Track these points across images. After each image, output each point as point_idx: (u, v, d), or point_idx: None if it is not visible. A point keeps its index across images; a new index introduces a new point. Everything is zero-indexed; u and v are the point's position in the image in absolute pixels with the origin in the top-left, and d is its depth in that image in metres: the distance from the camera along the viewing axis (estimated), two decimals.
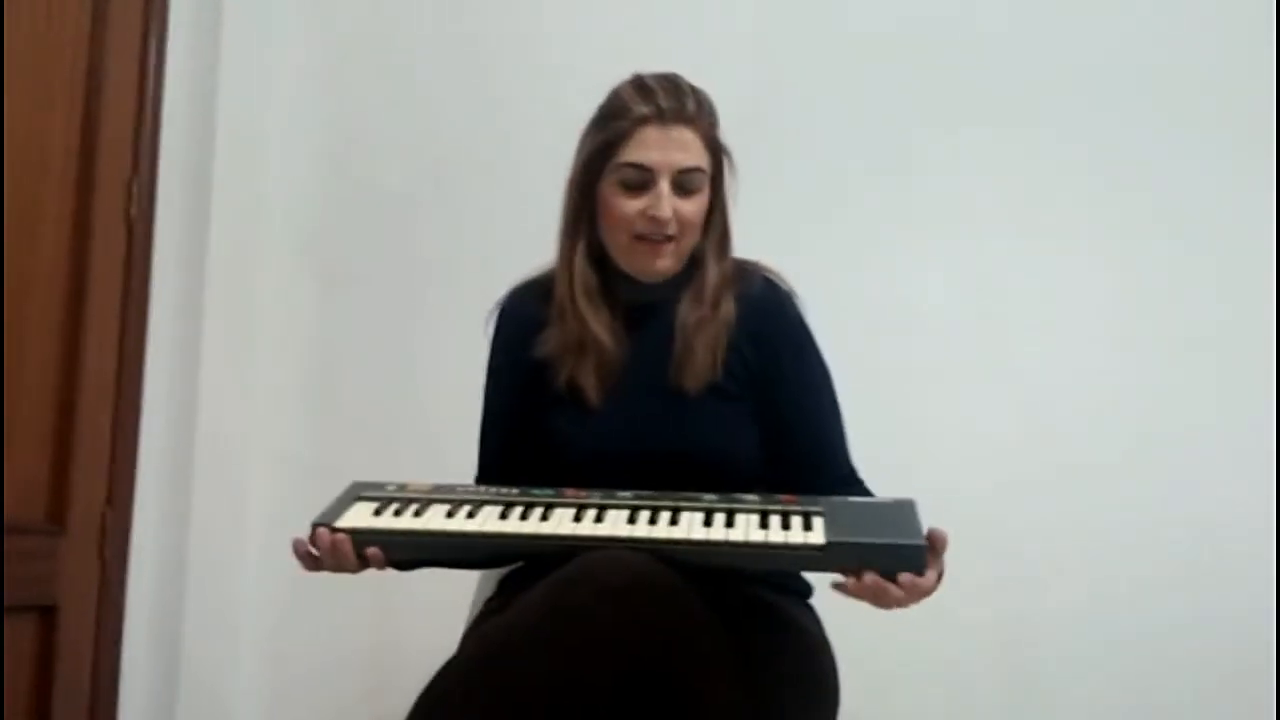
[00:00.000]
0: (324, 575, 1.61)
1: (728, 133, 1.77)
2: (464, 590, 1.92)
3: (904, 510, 1.54)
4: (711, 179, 1.73)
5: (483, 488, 1.67)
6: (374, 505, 1.59)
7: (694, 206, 1.71)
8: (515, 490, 1.61)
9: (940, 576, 1.50)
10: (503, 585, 1.75)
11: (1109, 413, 2.57)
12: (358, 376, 2.73)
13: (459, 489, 1.64)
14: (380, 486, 1.64)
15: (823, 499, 1.57)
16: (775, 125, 2.63)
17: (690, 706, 1.41)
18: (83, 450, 2.38)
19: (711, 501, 1.56)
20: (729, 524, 1.51)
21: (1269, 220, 2.58)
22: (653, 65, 1.77)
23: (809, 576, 1.75)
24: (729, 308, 1.73)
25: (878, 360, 2.49)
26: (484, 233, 2.70)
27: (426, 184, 2.76)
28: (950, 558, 1.51)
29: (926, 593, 1.47)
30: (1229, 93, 2.61)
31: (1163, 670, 2.49)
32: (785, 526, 1.50)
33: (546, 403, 1.76)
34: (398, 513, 1.57)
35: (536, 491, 1.61)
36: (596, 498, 1.58)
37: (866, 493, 1.74)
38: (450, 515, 1.56)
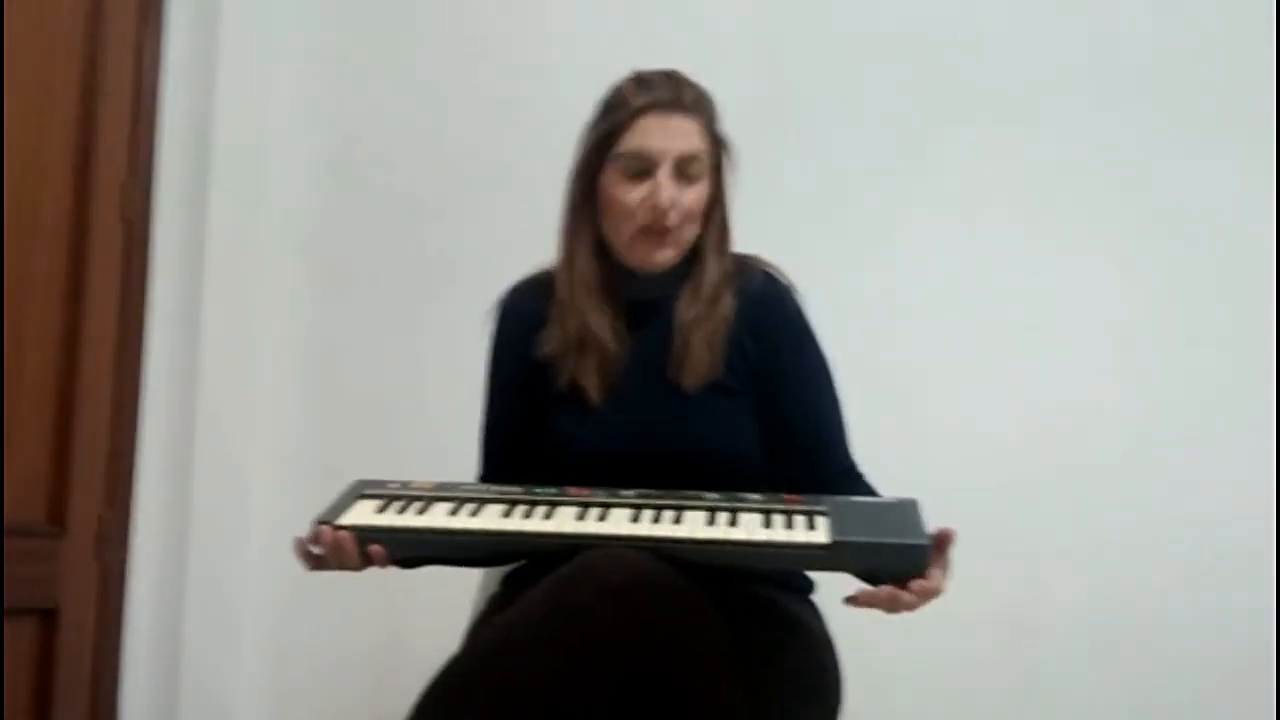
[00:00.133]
0: (325, 575, 1.61)
1: (728, 133, 1.77)
2: (466, 589, 1.91)
3: (908, 510, 1.53)
4: (712, 171, 1.74)
5: (486, 486, 1.67)
6: (377, 503, 1.59)
7: (694, 196, 1.71)
8: (519, 488, 1.61)
9: (946, 575, 1.50)
10: (506, 583, 1.75)
11: (1109, 412, 2.57)
12: (358, 376, 2.73)
13: (462, 487, 1.64)
14: (383, 484, 1.63)
15: (826, 498, 1.57)
16: (776, 125, 2.63)
17: (691, 705, 1.41)
18: (82, 452, 2.38)
19: (715, 500, 1.56)
20: (732, 523, 1.51)
21: (1269, 220, 2.58)
22: (654, 65, 1.77)
23: (810, 573, 1.75)
24: (728, 303, 1.73)
25: (878, 359, 2.49)
26: (485, 232, 2.70)
27: (426, 183, 2.76)
28: (952, 556, 1.51)
29: (935, 594, 1.47)
30: (1229, 92, 2.61)
31: (1163, 670, 2.49)
32: (789, 526, 1.50)
33: (548, 401, 1.76)
34: (401, 510, 1.57)
35: (540, 490, 1.61)
36: (600, 496, 1.57)
37: (868, 487, 1.75)
38: (453, 513, 1.56)
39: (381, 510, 1.57)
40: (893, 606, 1.47)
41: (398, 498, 1.60)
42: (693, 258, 1.76)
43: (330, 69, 2.81)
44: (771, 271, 1.80)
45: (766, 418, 1.74)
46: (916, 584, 1.45)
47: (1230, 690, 2.47)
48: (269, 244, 2.73)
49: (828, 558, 1.47)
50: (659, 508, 1.54)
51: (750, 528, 1.50)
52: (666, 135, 1.69)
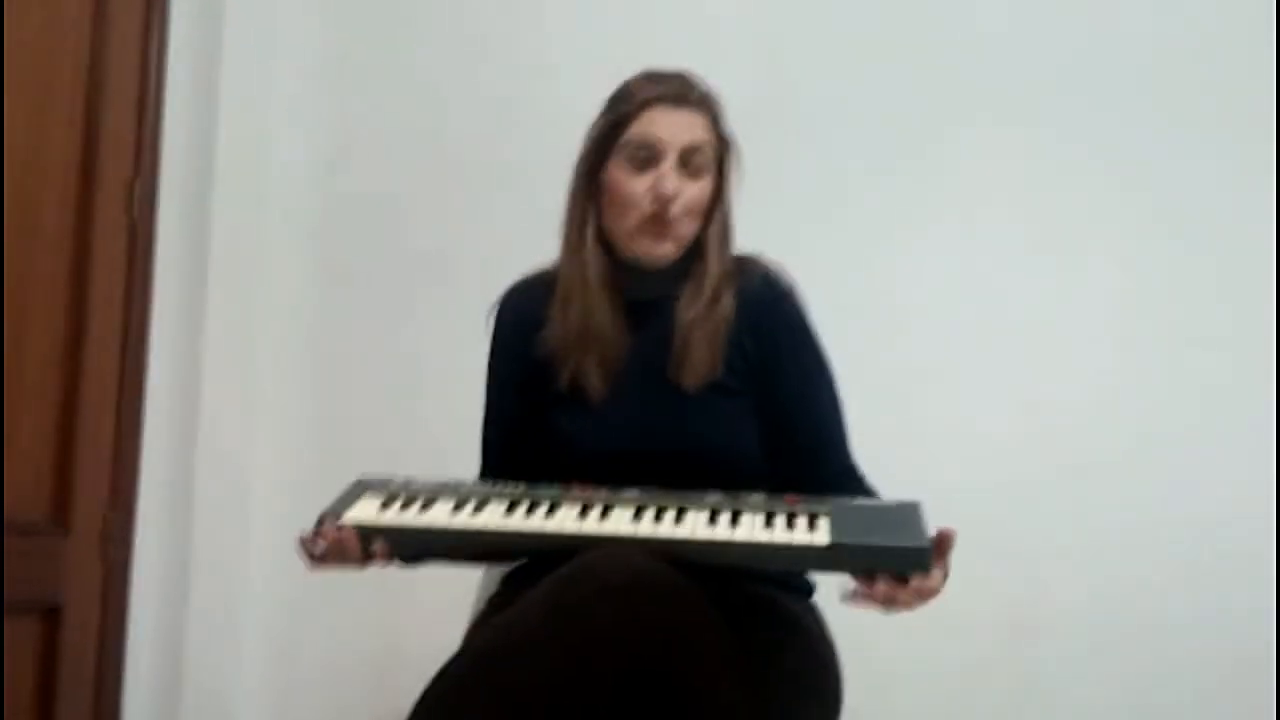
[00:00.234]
0: (327, 574, 1.61)
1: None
2: (468, 590, 1.92)
3: (909, 512, 1.53)
4: (715, 169, 1.75)
5: (488, 484, 1.67)
6: (380, 499, 1.59)
7: (697, 191, 1.72)
8: (521, 486, 1.62)
9: (945, 576, 1.50)
10: (506, 582, 1.75)
11: (1109, 412, 2.58)
12: (360, 375, 2.73)
13: (464, 485, 1.64)
14: (385, 482, 1.64)
15: (828, 500, 1.57)
16: (775, 125, 2.62)
17: (691, 705, 1.41)
18: (85, 450, 2.38)
19: (716, 500, 1.56)
20: (734, 523, 1.51)
21: (1269, 220, 2.58)
22: (654, 65, 1.77)
23: (810, 574, 1.75)
24: (728, 303, 1.73)
25: (877, 359, 2.49)
26: (486, 232, 2.70)
27: (427, 183, 2.77)
28: (952, 556, 1.51)
29: (933, 594, 1.48)
30: (1229, 92, 2.62)
31: (1163, 670, 2.49)
32: (790, 527, 1.50)
33: (548, 401, 1.76)
34: (403, 508, 1.57)
35: (542, 488, 1.61)
36: (602, 495, 1.58)
37: (867, 487, 1.75)
38: (456, 511, 1.56)
39: (384, 508, 1.58)
40: (889, 605, 1.47)
41: (400, 495, 1.60)
42: (694, 256, 1.76)
43: (332, 70, 2.81)
44: (772, 271, 1.80)
45: (766, 417, 1.74)
46: (914, 582, 1.45)
47: (1230, 690, 2.48)
48: (271, 244, 2.74)
49: (828, 559, 1.47)
50: (660, 507, 1.54)
51: (751, 528, 1.50)
52: (673, 126, 1.70)
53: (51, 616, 2.32)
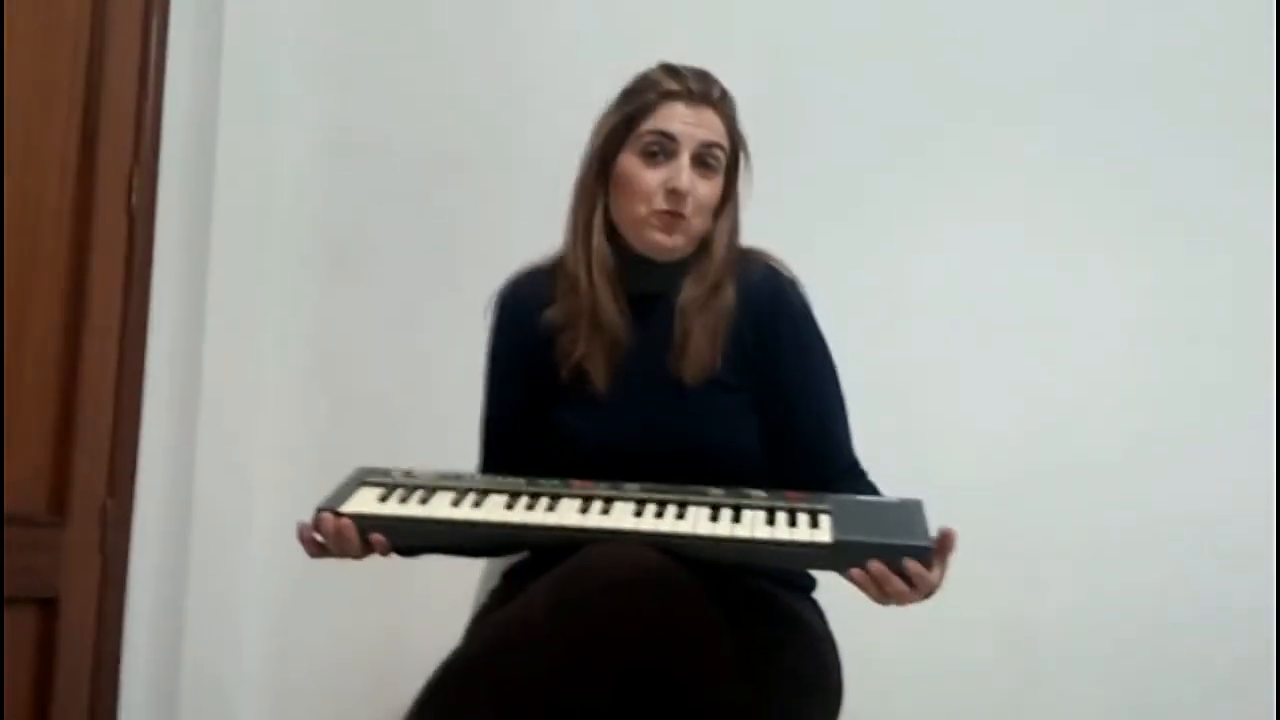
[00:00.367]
0: (329, 567, 1.61)
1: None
2: (468, 587, 1.92)
3: (911, 510, 1.53)
4: (727, 170, 1.75)
5: (489, 476, 1.67)
6: (379, 491, 1.59)
7: (710, 188, 1.73)
8: (522, 480, 1.61)
9: (942, 576, 1.50)
10: (506, 577, 1.75)
11: (1109, 411, 2.57)
12: (362, 366, 2.73)
13: (465, 477, 1.64)
14: (386, 472, 1.64)
15: (830, 497, 1.57)
16: (775, 125, 2.60)
17: (693, 700, 1.42)
18: (84, 441, 2.38)
19: (718, 496, 1.56)
20: (735, 519, 1.51)
21: (1269, 219, 2.58)
22: (659, 59, 1.78)
23: (812, 571, 1.75)
24: (730, 294, 1.73)
25: (877, 358, 2.48)
26: (488, 227, 2.70)
27: (432, 172, 2.76)
28: (952, 555, 1.51)
29: (929, 590, 1.47)
30: (1229, 91, 2.61)
31: (1163, 669, 2.49)
32: (792, 523, 1.50)
33: (549, 394, 1.76)
34: (403, 499, 1.57)
35: (543, 481, 1.61)
36: (603, 489, 1.57)
37: (870, 485, 1.75)
38: (456, 503, 1.56)
39: (384, 499, 1.58)
40: (882, 589, 1.46)
41: (400, 486, 1.60)
42: (700, 252, 1.76)
43: (335, 55, 2.80)
44: (774, 264, 1.80)
45: (768, 411, 1.74)
46: (913, 568, 1.44)
47: (1230, 690, 2.47)
48: (272, 234, 2.73)
49: (830, 557, 1.47)
50: (662, 502, 1.54)
51: (753, 525, 1.50)
52: (691, 122, 1.71)
53: (49, 607, 2.31)
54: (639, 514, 1.52)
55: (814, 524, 1.50)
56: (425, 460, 1.76)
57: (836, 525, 1.49)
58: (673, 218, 1.70)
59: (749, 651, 1.51)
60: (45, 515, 2.32)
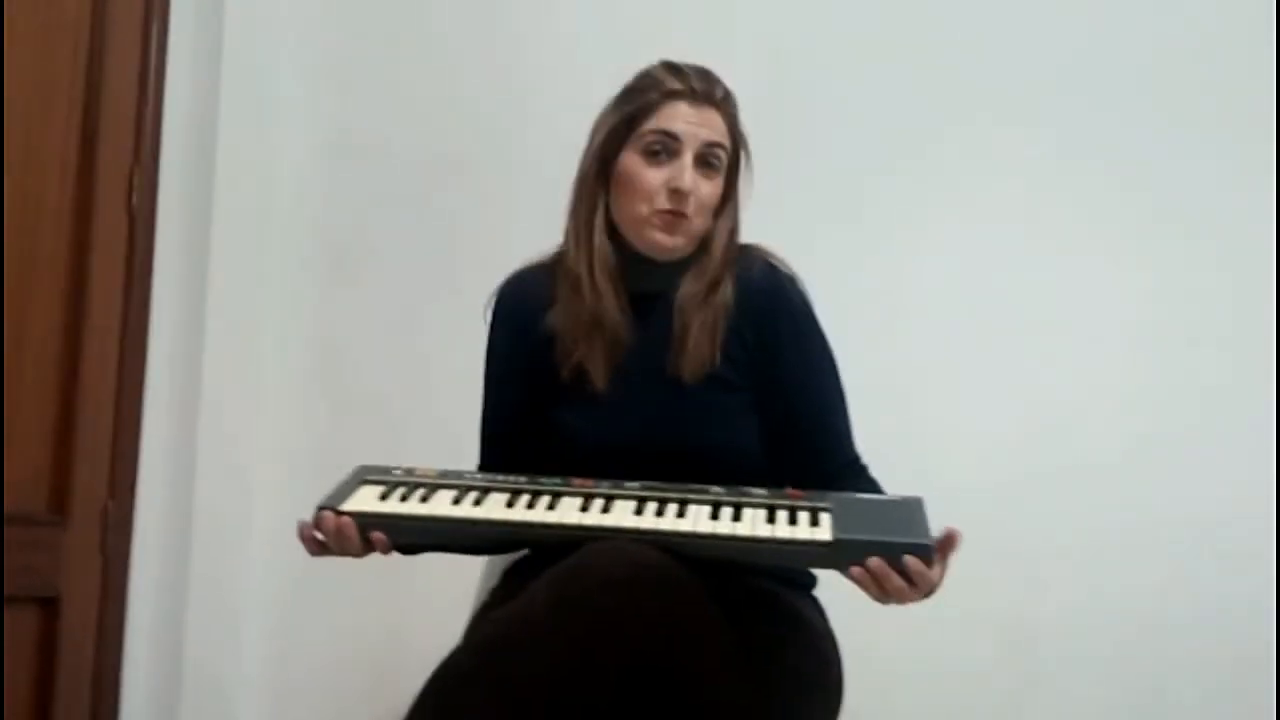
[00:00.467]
0: (329, 565, 1.61)
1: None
2: (469, 584, 1.91)
3: (912, 508, 1.53)
4: (728, 170, 1.75)
5: (490, 474, 1.67)
6: (380, 489, 1.59)
7: (712, 188, 1.73)
8: (522, 478, 1.61)
9: (942, 575, 1.50)
10: (507, 575, 1.74)
11: (1109, 412, 2.57)
12: (363, 366, 2.73)
13: (466, 475, 1.64)
14: (386, 470, 1.63)
15: (830, 494, 1.57)
16: (775, 125, 2.60)
17: (693, 698, 1.42)
18: (85, 440, 2.38)
19: (719, 494, 1.56)
20: (736, 518, 1.51)
21: (1269, 220, 2.58)
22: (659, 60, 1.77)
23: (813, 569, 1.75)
24: (728, 290, 1.73)
25: (877, 359, 2.48)
26: (487, 228, 2.70)
27: (432, 174, 2.77)
28: (953, 554, 1.51)
29: (930, 589, 1.47)
30: (1229, 92, 2.62)
31: (1163, 669, 2.49)
32: (792, 522, 1.50)
33: (549, 393, 1.76)
34: (404, 497, 1.57)
35: (544, 480, 1.60)
36: (604, 488, 1.57)
37: (871, 481, 1.74)
38: (456, 501, 1.56)
39: (384, 497, 1.57)
40: (882, 586, 1.46)
41: (401, 484, 1.60)
42: (701, 251, 1.76)
43: (336, 55, 2.81)
44: (774, 261, 1.80)
45: (768, 409, 1.73)
46: (913, 566, 1.44)
47: (1230, 690, 2.48)
48: (273, 235, 2.74)
49: (830, 555, 1.47)
50: (662, 500, 1.54)
51: (753, 523, 1.50)
52: (695, 122, 1.71)
53: (50, 607, 2.32)
54: (639, 512, 1.52)
55: (814, 522, 1.49)
56: (425, 462, 1.76)
57: (837, 523, 1.49)
58: (674, 217, 1.70)
59: (749, 650, 1.50)
60: (46, 515, 2.33)
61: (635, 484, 1.58)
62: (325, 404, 2.72)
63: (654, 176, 1.70)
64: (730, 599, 1.50)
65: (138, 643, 2.50)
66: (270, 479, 2.64)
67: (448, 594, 1.97)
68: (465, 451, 1.85)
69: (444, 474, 1.63)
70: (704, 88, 1.72)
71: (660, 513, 1.52)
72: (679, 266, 1.75)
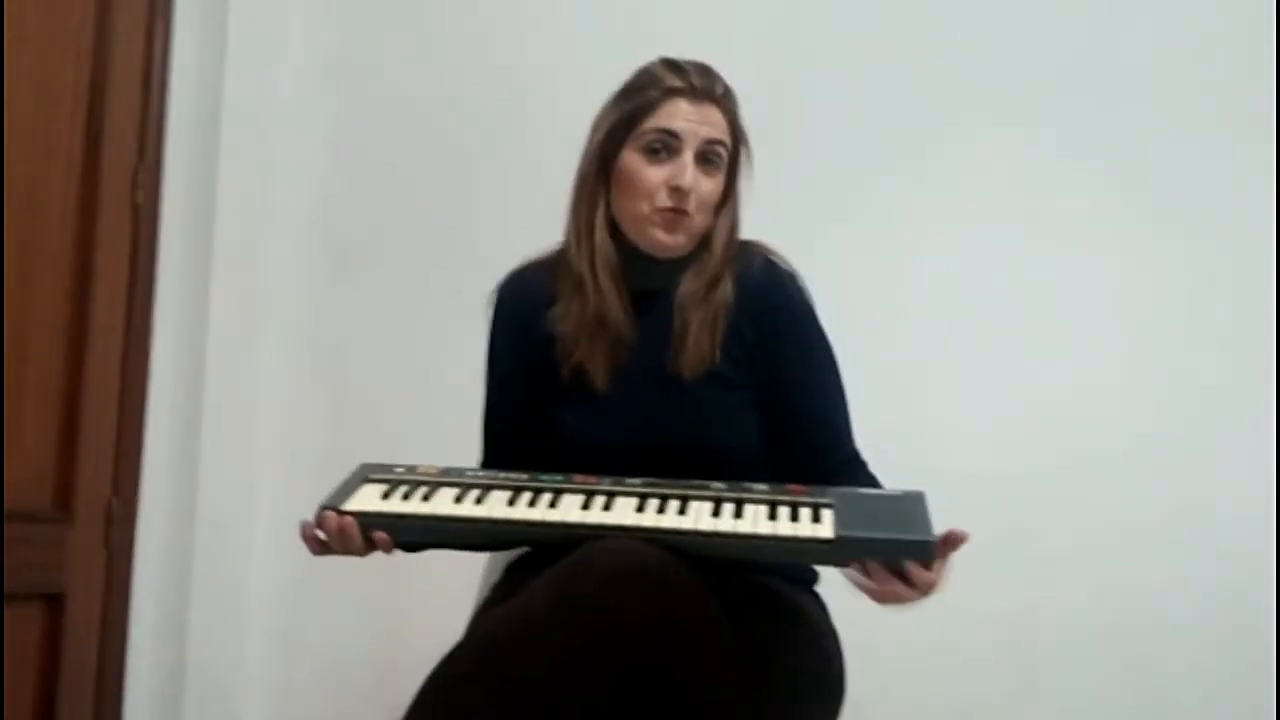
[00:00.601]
0: (332, 563, 1.61)
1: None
2: (471, 582, 1.91)
3: (914, 503, 1.52)
4: (729, 164, 1.75)
5: (491, 472, 1.66)
6: (382, 488, 1.58)
7: (712, 186, 1.73)
8: (524, 476, 1.61)
9: (943, 574, 1.49)
10: (509, 571, 1.74)
11: (1109, 411, 2.58)
12: (366, 364, 2.73)
13: (468, 473, 1.63)
14: (388, 469, 1.63)
15: (832, 490, 1.56)
16: (775, 124, 2.60)
17: (695, 696, 1.41)
18: (89, 438, 2.38)
19: (720, 491, 1.56)
20: (737, 514, 1.50)
21: (1269, 220, 2.59)
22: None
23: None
24: (728, 287, 1.73)
25: (878, 357, 2.47)
26: (490, 224, 2.70)
27: (435, 169, 2.77)
28: (956, 551, 1.51)
29: (931, 587, 1.47)
30: (1229, 92, 2.62)
31: (1165, 666, 2.49)
32: (794, 518, 1.49)
33: (549, 391, 1.76)
34: (406, 496, 1.57)
35: (545, 477, 1.60)
36: (605, 485, 1.57)
37: (871, 476, 1.74)
38: (458, 500, 1.55)
39: (386, 496, 1.57)
40: (884, 586, 1.46)
41: (403, 483, 1.59)
42: (701, 248, 1.76)
43: (338, 52, 2.82)
44: (773, 257, 1.79)
45: (768, 405, 1.73)
46: (914, 569, 1.44)
47: (1230, 690, 2.48)
48: (275, 233, 2.74)
49: (832, 551, 1.46)
50: (664, 497, 1.54)
51: (755, 520, 1.49)
52: (695, 119, 1.70)
53: (54, 604, 2.32)
54: (641, 509, 1.51)
55: (816, 519, 1.49)
56: (428, 455, 1.75)
57: (839, 520, 1.48)
58: (675, 215, 1.70)
59: (750, 648, 1.50)
60: (50, 512, 2.33)
61: (636, 481, 1.57)
62: (327, 402, 2.73)
63: (654, 174, 1.70)
64: (731, 596, 1.50)
65: (141, 639, 2.51)
66: (272, 476, 2.64)
67: (448, 593, 1.97)
68: (465, 452, 1.85)
69: (446, 472, 1.62)
70: (704, 84, 1.71)
71: (661, 510, 1.51)
72: (679, 264, 1.75)
